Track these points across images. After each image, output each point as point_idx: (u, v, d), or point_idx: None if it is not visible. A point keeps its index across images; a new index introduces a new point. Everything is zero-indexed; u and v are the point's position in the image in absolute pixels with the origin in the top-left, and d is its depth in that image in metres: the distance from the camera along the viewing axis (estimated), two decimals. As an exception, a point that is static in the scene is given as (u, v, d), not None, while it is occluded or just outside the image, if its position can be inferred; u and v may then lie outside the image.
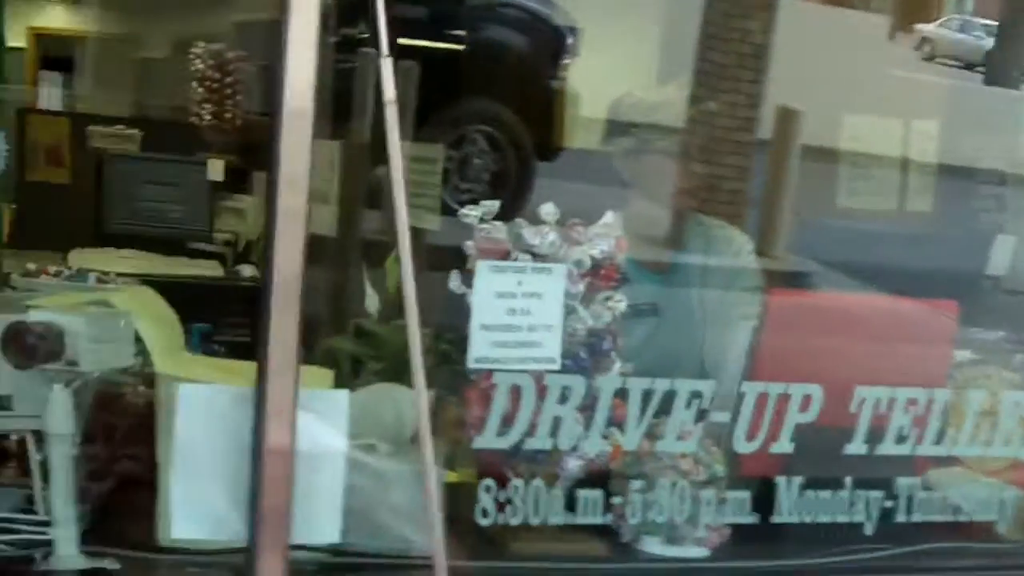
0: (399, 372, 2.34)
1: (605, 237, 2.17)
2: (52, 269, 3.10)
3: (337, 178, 4.09)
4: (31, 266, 3.07)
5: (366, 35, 4.52)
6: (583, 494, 2.16)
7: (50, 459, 1.82)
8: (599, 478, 2.18)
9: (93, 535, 1.86)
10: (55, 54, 8.96)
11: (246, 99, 5.69)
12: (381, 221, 4.19)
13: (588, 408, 2.15)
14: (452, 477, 2.09)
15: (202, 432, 1.78)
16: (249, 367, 1.79)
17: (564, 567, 2.11)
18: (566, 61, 7.01)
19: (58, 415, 1.82)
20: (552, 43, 7.05)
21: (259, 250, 4.83)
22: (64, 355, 1.82)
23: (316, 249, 1.73)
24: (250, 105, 5.68)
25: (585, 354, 2.14)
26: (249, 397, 1.73)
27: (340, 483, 1.82)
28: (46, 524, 1.83)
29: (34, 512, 1.89)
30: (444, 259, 2.11)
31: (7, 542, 1.83)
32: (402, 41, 1.77)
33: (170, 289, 2.39)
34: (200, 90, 5.71)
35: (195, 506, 1.78)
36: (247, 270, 4.78)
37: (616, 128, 2.98)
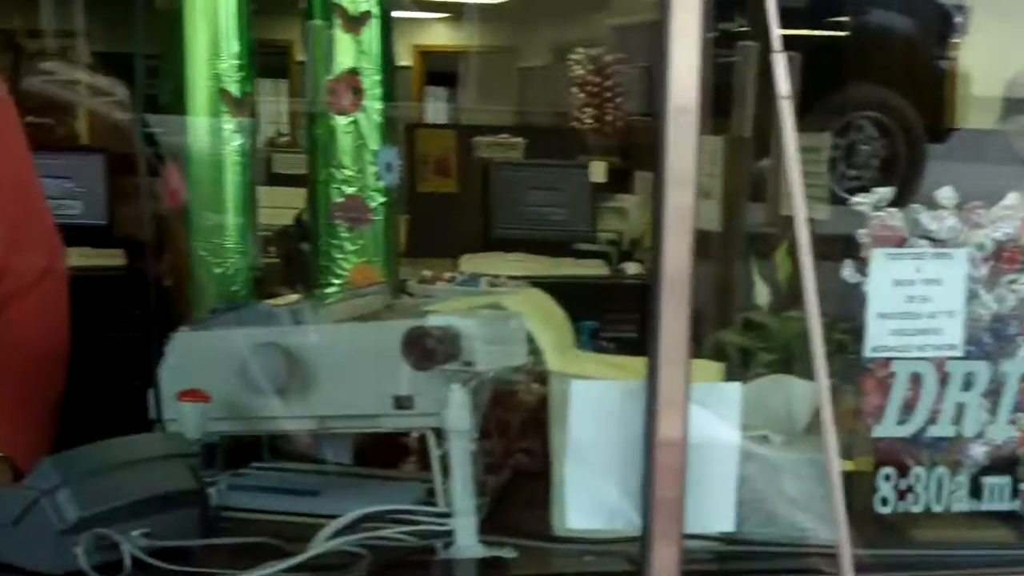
0: (789, 363, 2.31)
1: (1009, 219, 2.07)
2: (446, 275, 3.19)
3: (720, 173, 4.07)
4: (426, 273, 3.17)
5: (744, 28, 4.48)
6: (988, 480, 2.07)
7: (450, 454, 1.86)
8: (1006, 464, 2.08)
9: (490, 525, 1.90)
10: (439, 70, 9.31)
11: (626, 101, 5.75)
12: (765, 213, 4.14)
13: (994, 394, 2.05)
14: (849, 466, 2.04)
15: (594, 426, 1.80)
16: (638, 362, 1.79)
17: (969, 554, 2.01)
18: (954, 40, 6.75)
19: (457, 413, 1.87)
20: (938, 23, 6.81)
21: (643, 248, 4.87)
22: (461, 356, 1.86)
23: (701, 244, 1.71)
24: (630, 107, 5.73)
25: (990, 339, 2.04)
26: (639, 391, 1.72)
27: (734, 474, 1.80)
28: (446, 515, 1.88)
29: (434, 504, 1.95)
30: (833, 248, 2.06)
31: (410, 533, 1.89)
32: (784, 31, 1.73)
33: (558, 289, 2.43)
34: (580, 95, 5.81)
35: (590, 497, 1.79)
36: (631, 268, 4.82)
37: (1014, 106, 2.84)
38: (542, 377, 2.14)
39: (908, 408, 2.03)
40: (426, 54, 9.40)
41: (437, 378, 1.88)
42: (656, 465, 1.68)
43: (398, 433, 2.21)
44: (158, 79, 2.86)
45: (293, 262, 3.57)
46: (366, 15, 2.83)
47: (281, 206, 3.79)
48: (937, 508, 2.05)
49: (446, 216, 5.13)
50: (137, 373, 2.21)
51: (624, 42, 6.23)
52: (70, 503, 1.72)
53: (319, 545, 1.81)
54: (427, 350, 1.86)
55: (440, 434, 1.91)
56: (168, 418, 2.07)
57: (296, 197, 3.29)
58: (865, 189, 2.07)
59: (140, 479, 1.82)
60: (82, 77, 4.75)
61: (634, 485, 1.71)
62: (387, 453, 2.28)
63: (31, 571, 1.73)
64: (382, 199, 2.89)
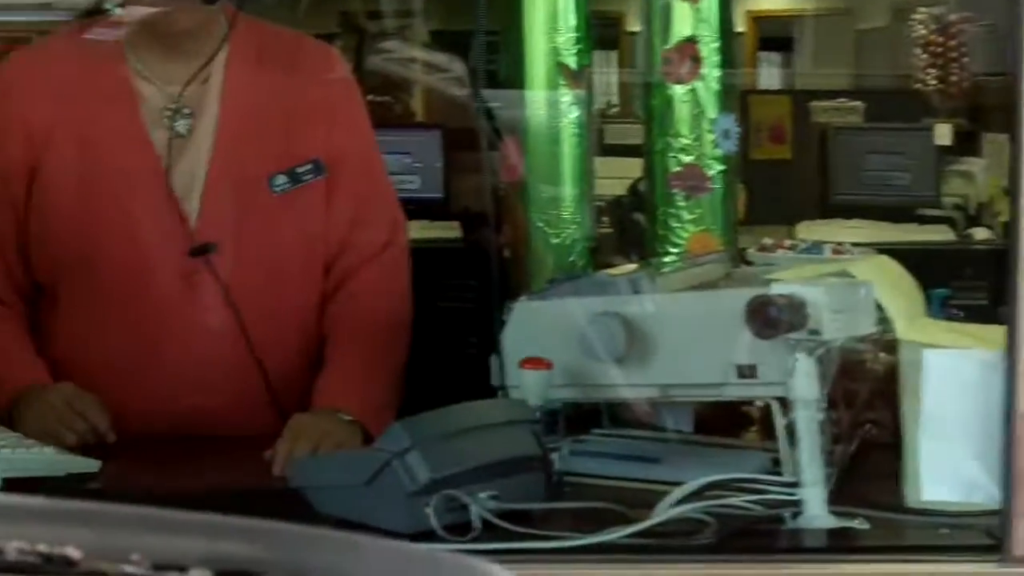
0: None
1: None
2: (787, 243, 3.13)
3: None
4: (767, 241, 3.11)
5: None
6: None
7: (797, 424, 1.82)
8: None
9: (838, 496, 1.85)
10: (772, 35, 9.16)
11: (972, 61, 5.52)
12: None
13: None
14: None
15: (949, 397, 1.74)
16: (992, 331, 1.72)
17: None
18: None
19: (804, 382, 1.83)
20: None
21: (992, 212, 4.66)
22: (807, 325, 1.82)
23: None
24: (977, 67, 5.50)
25: None
26: (997, 361, 1.65)
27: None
28: (793, 485, 1.84)
29: (779, 474, 1.91)
30: None
31: (757, 502, 1.86)
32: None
33: (902, 256, 2.35)
34: (923, 56, 5.61)
35: (946, 469, 1.73)
36: (980, 233, 4.62)
37: None
38: (889, 346, 2.07)
39: None
40: (759, 19, 9.24)
41: (781, 347, 1.84)
42: (1017, 437, 1.61)
43: (739, 402, 2.17)
44: (495, 54, 2.90)
45: (627, 232, 3.56)
46: (706, -17, 2.80)
47: (613, 176, 3.79)
48: None
49: (780, 183, 5.04)
50: (473, 341, 2.24)
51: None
52: (420, 465, 1.76)
53: (664, 511, 1.80)
54: (771, 319, 1.82)
55: (785, 403, 1.87)
56: (510, 385, 2.10)
57: (626, 167, 3.29)
58: None
59: (486, 443, 1.85)
60: (419, 55, 4.87)
61: (993, 457, 1.64)
62: (728, 422, 2.25)
63: (383, 530, 1.78)
64: (720, 167, 2.85)
